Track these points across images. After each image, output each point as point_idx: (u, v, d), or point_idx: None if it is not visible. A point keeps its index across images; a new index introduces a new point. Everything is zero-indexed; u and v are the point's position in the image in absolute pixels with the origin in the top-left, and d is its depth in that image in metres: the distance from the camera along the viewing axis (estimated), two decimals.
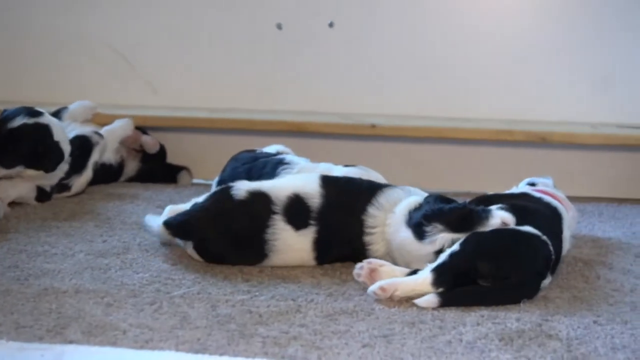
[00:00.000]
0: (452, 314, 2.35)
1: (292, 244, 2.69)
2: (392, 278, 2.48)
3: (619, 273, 2.79)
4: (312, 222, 2.70)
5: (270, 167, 3.31)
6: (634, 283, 2.68)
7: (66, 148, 3.54)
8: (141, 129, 4.12)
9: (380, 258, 2.62)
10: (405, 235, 2.59)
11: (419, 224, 2.56)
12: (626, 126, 4.02)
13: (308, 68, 4.30)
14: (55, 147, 3.47)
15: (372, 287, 2.44)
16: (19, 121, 3.43)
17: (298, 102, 4.30)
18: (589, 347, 2.15)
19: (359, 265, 2.55)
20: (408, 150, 4.18)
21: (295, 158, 3.37)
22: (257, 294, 2.47)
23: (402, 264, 2.58)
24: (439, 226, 2.53)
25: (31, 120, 3.44)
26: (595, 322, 2.33)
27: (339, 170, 3.22)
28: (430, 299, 2.40)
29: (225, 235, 2.70)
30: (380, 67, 4.24)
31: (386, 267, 2.54)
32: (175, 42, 4.37)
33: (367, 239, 2.70)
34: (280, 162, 3.31)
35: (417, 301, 2.40)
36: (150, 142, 4.12)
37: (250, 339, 2.15)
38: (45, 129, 3.47)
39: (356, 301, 2.43)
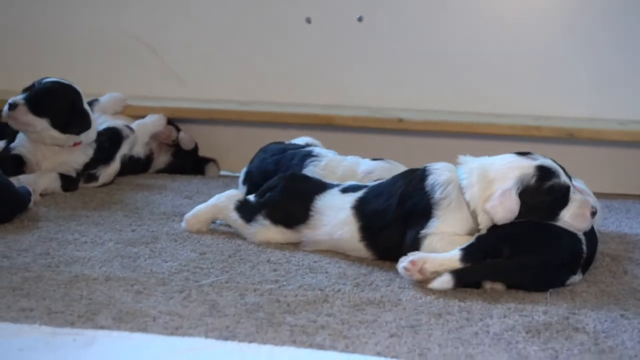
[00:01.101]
0: (479, 306, 2.36)
1: None
2: (420, 253, 2.52)
3: None
4: None
5: (298, 159, 3.33)
6: None
7: (93, 121, 3.60)
8: (174, 124, 4.15)
9: None
10: None
11: None
12: None
13: (336, 62, 4.31)
14: (83, 113, 3.54)
15: (402, 263, 2.47)
16: (55, 79, 3.52)
17: (326, 96, 4.32)
18: (616, 341, 2.15)
19: (405, 260, 2.51)
20: (435, 145, 4.18)
21: (323, 151, 3.39)
22: (284, 283, 2.49)
23: None
24: None
25: (66, 81, 3.54)
26: (622, 316, 2.33)
27: (366, 164, 3.23)
28: (445, 279, 2.43)
29: None
30: (408, 61, 4.25)
31: (430, 261, 2.52)
32: (205, 35, 4.40)
33: None
34: (309, 155, 3.33)
35: (432, 284, 2.43)
36: (187, 139, 4.16)
37: (278, 327, 2.16)
38: (78, 94, 3.56)
39: (383, 291, 2.45)
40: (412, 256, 2.49)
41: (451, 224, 2.60)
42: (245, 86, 4.39)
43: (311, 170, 3.24)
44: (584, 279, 2.62)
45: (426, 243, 2.59)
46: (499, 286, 2.50)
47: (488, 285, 2.50)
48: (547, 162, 2.59)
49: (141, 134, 3.94)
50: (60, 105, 3.47)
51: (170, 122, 4.14)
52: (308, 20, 4.30)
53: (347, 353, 2.04)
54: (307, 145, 3.50)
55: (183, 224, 3.01)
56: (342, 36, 4.30)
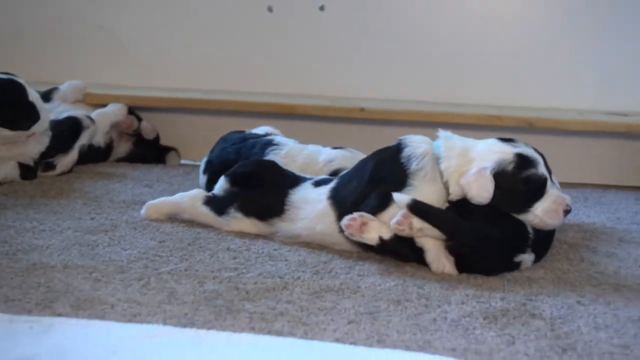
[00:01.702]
0: (437, 293, 2.37)
1: None
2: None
3: (603, 256, 2.82)
4: None
5: (259, 147, 3.33)
6: (617, 266, 2.71)
7: (42, 110, 3.52)
8: (136, 114, 4.13)
9: None
10: None
11: None
12: (612, 113, 4.05)
13: (298, 51, 4.31)
14: (29, 105, 3.46)
15: (396, 219, 2.49)
16: None
17: (288, 85, 4.32)
18: (572, 326, 2.18)
19: (349, 216, 2.56)
20: (396, 134, 4.12)
21: (283, 139, 3.39)
22: (244, 271, 2.49)
23: None
24: None
25: (6, 76, 3.46)
26: (578, 302, 2.35)
27: (326, 152, 3.24)
28: (403, 198, 2.50)
29: None
30: (370, 50, 4.26)
31: (375, 221, 2.57)
32: (166, 23, 4.38)
33: None
34: (269, 143, 3.33)
35: (395, 196, 2.51)
36: (149, 128, 4.14)
37: (237, 314, 2.16)
38: (21, 88, 3.46)
39: (342, 279, 2.45)
40: (401, 212, 2.50)
41: (425, 194, 2.58)
42: (206, 75, 4.37)
43: (272, 158, 3.24)
44: (541, 265, 2.66)
45: (392, 208, 2.58)
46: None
47: (446, 269, 2.53)
48: (528, 151, 2.61)
49: (101, 123, 3.91)
50: (2, 104, 3.38)
51: (132, 111, 4.11)
52: (269, 9, 4.29)
53: (305, 339, 2.05)
54: (267, 134, 3.51)
55: (142, 211, 3.00)
56: (304, 25, 4.29)
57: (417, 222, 2.49)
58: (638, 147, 4.11)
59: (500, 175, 2.54)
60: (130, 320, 2.11)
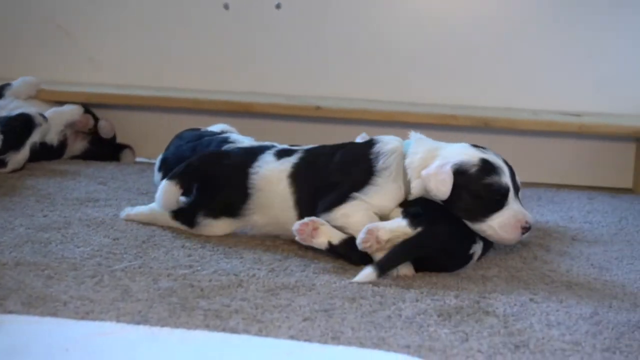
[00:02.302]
0: (392, 290, 2.38)
1: None
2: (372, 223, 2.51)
3: (556, 255, 2.84)
4: None
5: (215, 145, 3.31)
6: (570, 264, 2.74)
7: None
8: (92, 113, 4.09)
9: None
10: None
11: None
12: (565, 113, 4.09)
13: (254, 49, 4.30)
14: None
15: (361, 235, 2.46)
16: None
17: (244, 83, 4.31)
18: (524, 324, 2.19)
19: (301, 222, 2.55)
20: (352, 132, 4.16)
21: (239, 137, 3.37)
22: (199, 268, 2.48)
23: None
24: None
25: None
26: (531, 300, 2.37)
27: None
28: (368, 273, 2.43)
29: None
30: (326, 49, 4.27)
31: (326, 226, 2.57)
32: (121, 19, 4.35)
33: None
34: (225, 141, 3.31)
35: (356, 278, 2.43)
36: (107, 128, 4.11)
37: (191, 311, 2.15)
38: None
39: (297, 276, 2.45)
40: (365, 228, 2.47)
41: (386, 193, 2.59)
42: (162, 72, 4.35)
43: None
44: (495, 263, 2.68)
45: (348, 205, 2.59)
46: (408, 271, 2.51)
47: (402, 271, 2.51)
48: (494, 159, 2.58)
49: (56, 121, 3.87)
50: None
51: (88, 110, 4.08)
52: (226, 7, 4.28)
53: (260, 337, 2.04)
54: (223, 132, 3.49)
55: (122, 214, 2.95)
56: (260, 23, 4.29)
57: (384, 234, 2.46)
58: (590, 147, 4.16)
59: (461, 175, 2.52)
60: (83, 318, 2.09)
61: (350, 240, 2.54)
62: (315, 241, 2.55)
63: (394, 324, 2.15)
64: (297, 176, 2.71)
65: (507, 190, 2.55)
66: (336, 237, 2.55)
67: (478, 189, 2.53)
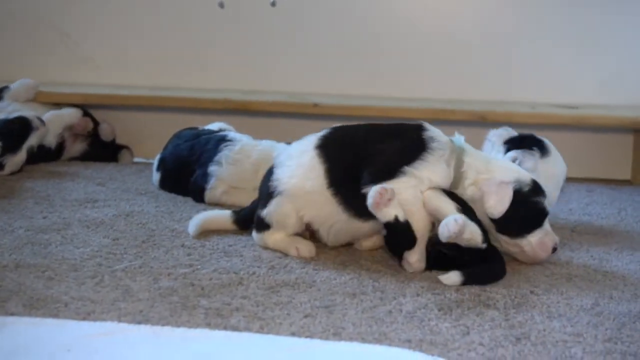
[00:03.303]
0: (392, 286, 2.38)
1: None
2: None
3: None
4: None
5: (213, 144, 3.32)
6: (570, 256, 2.74)
7: None
8: (92, 115, 4.09)
9: None
10: None
11: None
12: (562, 106, 4.09)
13: (251, 47, 4.30)
14: None
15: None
16: None
17: (241, 81, 4.31)
18: (525, 316, 2.20)
19: (380, 187, 2.44)
20: None
21: (237, 135, 3.39)
22: (199, 267, 2.48)
23: None
24: None
25: None
26: (532, 292, 2.38)
27: (281, 148, 3.23)
28: (454, 278, 2.43)
29: None
30: (323, 46, 4.27)
31: (396, 200, 2.48)
32: (118, 20, 4.35)
33: None
34: (223, 139, 3.33)
35: (443, 278, 2.43)
36: (107, 130, 4.12)
37: (192, 310, 2.15)
38: None
39: (297, 273, 2.45)
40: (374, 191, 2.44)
41: (435, 171, 2.53)
42: (160, 72, 4.34)
43: (226, 154, 3.24)
44: None
45: (399, 181, 2.50)
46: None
47: None
48: (540, 182, 2.65)
49: (54, 124, 3.88)
50: None
51: (87, 113, 4.08)
52: (221, 5, 4.28)
53: (261, 334, 2.05)
54: (221, 130, 3.50)
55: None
56: (256, 21, 4.29)
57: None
58: (588, 139, 4.16)
59: (516, 193, 2.55)
60: (84, 318, 2.09)
61: (409, 225, 2.48)
62: (385, 210, 2.44)
63: (395, 319, 2.15)
64: (327, 145, 2.62)
65: (548, 211, 2.63)
66: (402, 215, 2.46)
67: (528, 207, 2.58)
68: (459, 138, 2.65)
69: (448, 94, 4.23)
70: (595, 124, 4.00)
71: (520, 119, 3.96)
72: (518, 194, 2.55)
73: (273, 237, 2.66)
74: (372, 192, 2.44)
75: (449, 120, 3.96)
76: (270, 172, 2.69)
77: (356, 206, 2.54)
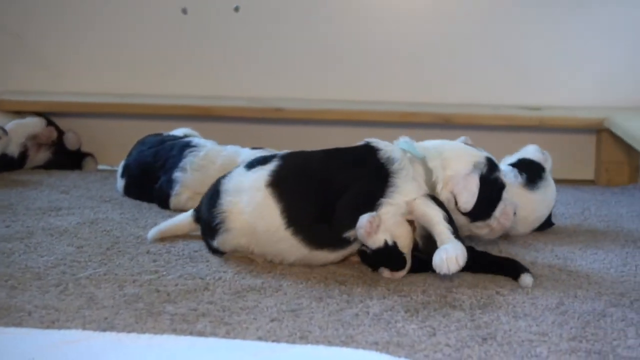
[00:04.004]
0: (359, 289, 2.38)
1: None
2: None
3: (520, 247, 2.87)
4: None
5: (177, 150, 3.31)
6: (534, 256, 2.76)
7: None
8: (55, 125, 4.06)
9: None
10: None
11: None
12: (526, 107, 4.13)
13: (214, 52, 4.29)
14: None
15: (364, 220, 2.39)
16: None
17: (204, 87, 4.30)
18: (491, 316, 2.20)
19: (369, 216, 2.41)
20: (313, 133, 4.22)
21: (202, 141, 3.38)
22: (164, 273, 2.46)
23: None
24: None
25: None
26: (497, 292, 2.39)
27: (246, 153, 3.23)
28: (529, 279, 2.46)
29: None
30: (286, 51, 4.27)
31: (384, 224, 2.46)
32: (78, 27, 4.32)
33: None
34: (187, 145, 3.32)
35: (524, 280, 2.45)
36: (73, 139, 4.09)
37: (158, 316, 2.14)
38: None
39: (264, 278, 2.45)
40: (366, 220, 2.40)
41: (408, 193, 2.49)
42: (121, 78, 4.32)
43: (190, 160, 3.22)
44: None
45: (380, 211, 2.46)
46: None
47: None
48: (491, 156, 2.63)
49: (17, 134, 3.85)
50: None
51: (52, 122, 4.05)
52: (184, 11, 4.27)
53: (228, 339, 2.03)
54: (186, 136, 3.49)
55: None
56: (219, 26, 4.28)
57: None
58: (551, 140, 4.19)
59: (479, 179, 2.54)
60: (48, 327, 2.07)
61: (397, 247, 2.47)
62: (375, 237, 2.41)
63: (361, 322, 2.15)
64: (280, 185, 2.52)
65: (505, 183, 2.62)
66: (390, 237, 2.45)
67: (492, 187, 2.57)
68: (408, 144, 2.59)
69: (411, 97, 4.24)
70: (558, 125, 4.04)
71: (484, 120, 4.00)
72: (481, 179, 2.54)
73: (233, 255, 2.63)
74: (362, 223, 2.40)
75: (413, 123, 3.98)
76: (215, 197, 2.57)
77: (322, 240, 2.51)
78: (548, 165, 3.13)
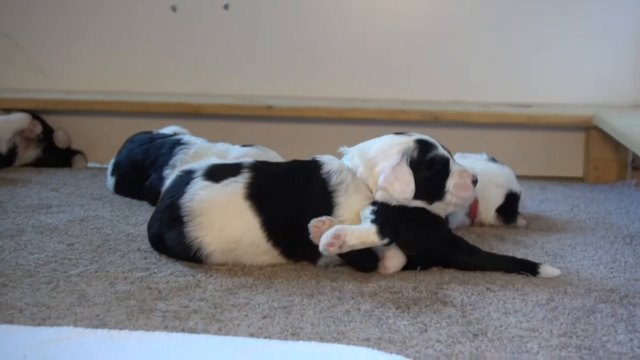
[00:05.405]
0: (350, 285, 2.39)
1: None
2: (341, 226, 2.43)
3: (511, 244, 2.87)
4: None
5: (168, 147, 3.31)
6: (525, 253, 2.76)
7: None
8: (43, 120, 4.05)
9: None
10: None
11: None
12: (514, 105, 4.14)
13: (204, 50, 4.29)
14: None
15: (326, 239, 2.38)
16: None
17: (194, 84, 4.30)
18: (482, 312, 2.21)
19: (332, 234, 2.40)
20: (304, 130, 4.22)
21: (192, 138, 3.37)
22: (156, 270, 2.46)
23: None
24: None
25: None
26: (488, 289, 2.39)
27: (236, 150, 3.23)
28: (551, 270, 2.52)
29: None
30: (276, 48, 4.27)
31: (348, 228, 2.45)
32: (67, 25, 4.31)
33: None
34: (178, 143, 3.31)
35: (549, 271, 2.51)
36: (62, 137, 4.10)
37: (149, 313, 2.14)
38: None
39: (256, 275, 2.45)
40: (334, 230, 2.40)
41: (350, 207, 2.51)
42: (111, 76, 4.32)
43: (181, 158, 3.22)
44: None
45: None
46: None
47: None
48: (424, 137, 2.60)
49: (4, 130, 3.85)
50: None
51: (39, 118, 4.04)
52: (173, 9, 4.26)
53: (220, 336, 2.04)
54: (176, 133, 3.49)
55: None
56: (209, 24, 4.28)
57: (350, 240, 2.40)
58: (540, 138, 4.21)
59: (411, 165, 2.51)
60: (39, 324, 2.07)
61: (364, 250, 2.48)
62: (340, 249, 2.42)
63: (353, 318, 2.15)
64: (258, 197, 2.54)
65: (447, 158, 2.59)
66: (356, 244, 2.44)
67: (425, 168, 2.53)
68: (349, 156, 2.59)
69: (401, 95, 4.25)
70: (547, 123, 4.05)
71: (474, 118, 4.01)
72: (413, 164, 2.52)
73: None
74: (323, 246, 2.40)
75: (403, 121, 3.99)
76: (178, 225, 2.53)
77: (301, 252, 2.55)
78: None
